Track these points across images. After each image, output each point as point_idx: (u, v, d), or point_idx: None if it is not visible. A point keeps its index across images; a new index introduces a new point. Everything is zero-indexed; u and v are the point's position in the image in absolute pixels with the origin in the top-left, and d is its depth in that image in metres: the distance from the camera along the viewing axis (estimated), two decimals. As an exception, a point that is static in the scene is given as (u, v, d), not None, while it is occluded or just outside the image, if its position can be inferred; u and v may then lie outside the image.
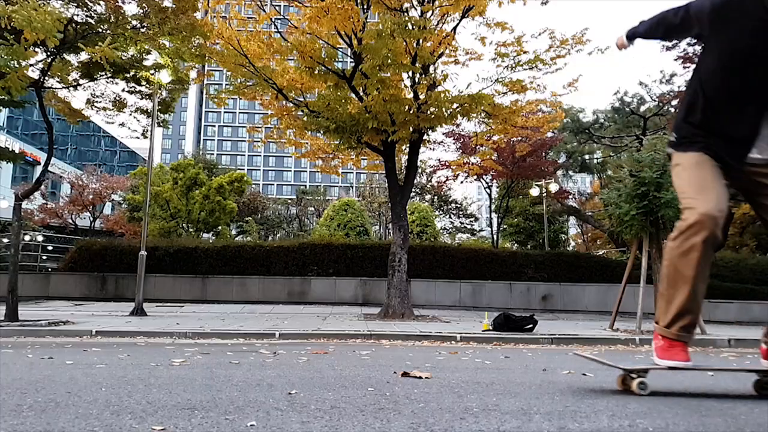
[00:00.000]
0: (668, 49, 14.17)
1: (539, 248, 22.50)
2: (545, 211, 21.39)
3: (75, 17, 8.13)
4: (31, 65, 8.08)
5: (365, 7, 9.29)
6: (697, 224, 1.97)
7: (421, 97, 9.36)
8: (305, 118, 10.20)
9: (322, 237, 18.43)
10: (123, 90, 10.08)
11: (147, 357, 3.65)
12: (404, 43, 8.88)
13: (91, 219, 30.25)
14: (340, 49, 10.24)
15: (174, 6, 8.43)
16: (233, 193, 25.24)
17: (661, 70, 45.32)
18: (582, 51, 9.93)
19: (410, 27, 8.75)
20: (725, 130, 2.11)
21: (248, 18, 10.73)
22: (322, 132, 10.64)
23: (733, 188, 2.19)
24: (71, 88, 9.53)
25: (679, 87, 18.80)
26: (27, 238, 17.20)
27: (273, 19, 10.27)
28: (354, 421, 1.59)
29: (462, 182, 20.29)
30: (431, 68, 9.99)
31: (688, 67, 14.28)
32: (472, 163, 16.41)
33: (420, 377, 2.65)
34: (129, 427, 1.46)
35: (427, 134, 11.03)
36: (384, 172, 10.80)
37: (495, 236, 22.88)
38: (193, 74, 11.09)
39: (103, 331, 6.65)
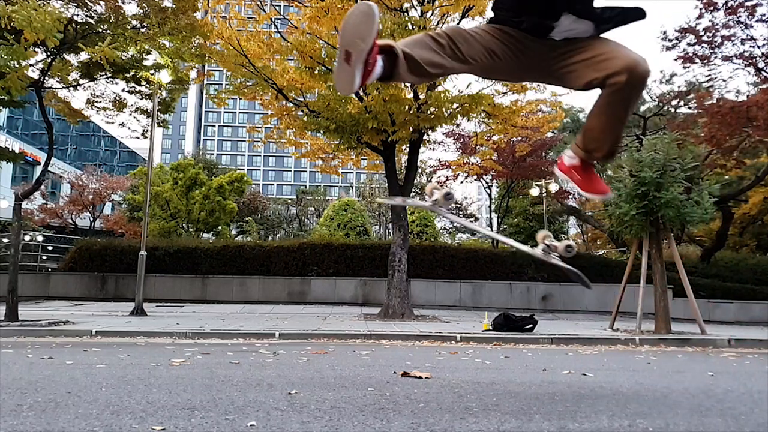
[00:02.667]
0: (668, 49, 14.15)
1: (539, 248, 22.46)
2: (545, 211, 21.39)
3: (75, 17, 8.14)
4: (31, 65, 8.08)
5: (365, 7, 9.28)
6: None
7: (421, 97, 9.36)
8: (305, 118, 10.20)
9: (322, 237, 18.42)
10: (123, 90, 10.09)
11: (147, 357, 3.65)
12: (404, 43, 8.87)
13: (91, 219, 30.24)
14: (340, 49, 10.23)
15: (174, 6, 8.44)
16: (233, 193, 25.25)
17: (661, 70, 45.25)
18: (582, 51, 9.92)
19: (410, 27, 8.75)
20: None
21: (248, 18, 10.73)
22: (322, 132, 10.64)
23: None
24: (71, 88, 9.53)
25: (679, 87, 18.82)
26: (27, 238, 17.20)
27: (273, 19, 10.27)
28: (354, 421, 1.59)
29: (462, 182, 20.28)
30: (431, 68, 9.98)
31: (688, 67, 14.26)
32: (472, 163, 16.42)
33: (420, 377, 2.65)
34: (129, 427, 1.46)
35: (427, 134, 11.03)
36: (384, 172, 10.79)
37: (495, 236, 22.83)
38: (193, 74, 11.09)
39: (103, 331, 6.65)
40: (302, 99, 10.19)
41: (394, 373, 2.83)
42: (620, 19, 2.16)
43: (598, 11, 2.09)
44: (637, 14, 2.17)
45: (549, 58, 2.15)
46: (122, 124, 10.92)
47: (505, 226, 25.70)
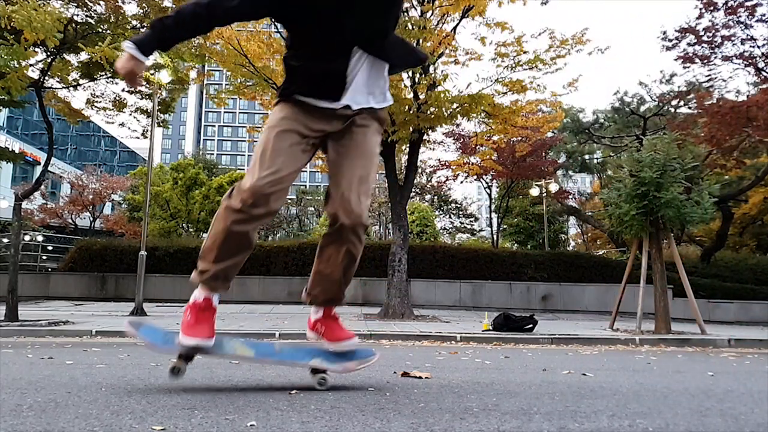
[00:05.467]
0: (668, 49, 14.16)
1: (539, 248, 22.50)
2: (545, 211, 21.38)
3: (75, 17, 8.13)
4: (31, 65, 8.08)
5: (365, 7, 9.28)
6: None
7: (421, 97, 9.36)
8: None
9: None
10: (123, 90, 10.09)
11: (147, 357, 3.65)
12: (404, 43, 8.87)
13: (91, 219, 30.23)
14: (340, 49, 10.23)
15: (174, 6, 8.44)
16: (233, 193, 25.20)
17: (661, 70, 45.32)
18: (582, 51, 9.93)
19: (410, 27, 8.75)
20: None
21: (248, 18, 10.72)
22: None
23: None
24: (71, 88, 9.53)
25: (679, 87, 18.81)
26: (27, 238, 17.20)
27: (273, 19, 10.26)
28: (354, 421, 1.59)
29: (462, 182, 20.29)
30: (431, 68, 9.98)
31: (688, 67, 14.27)
32: (472, 163, 16.41)
33: (420, 377, 2.65)
34: (129, 427, 1.46)
35: (427, 134, 11.03)
36: (384, 172, 10.79)
37: (495, 236, 22.88)
38: (193, 74, 11.09)
39: (103, 331, 6.64)
40: (302, 99, 10.18)
41: (394, 373, 2.83)
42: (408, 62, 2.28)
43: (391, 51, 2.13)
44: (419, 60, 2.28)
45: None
46: (122, 124, 10.94)
47: (505, 226, 25.69)
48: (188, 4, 1.99)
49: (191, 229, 23.72)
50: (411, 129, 9.58)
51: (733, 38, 13.01)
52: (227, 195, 2.05)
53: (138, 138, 11.59)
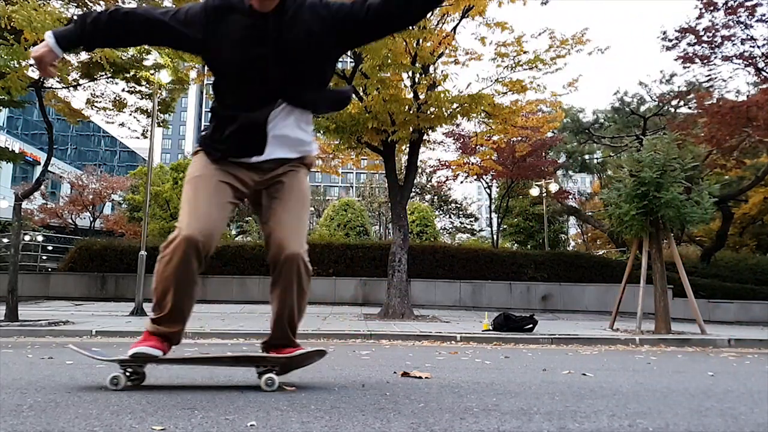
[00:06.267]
0: (668, 49, 14.16)
1: (539, 248, 22.50)
2: (545, 211, 21.38)
3: (75, 17, 8.13)
4: (31, 65, 8.07)
5: (365, 7, 9.28)
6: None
7: (421, 97, 9.36)
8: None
9: (322, 237, 18.43)
10: (123, 90, 10.09)
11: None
12: (404, 43, 8.87)
13: (91, 219, 30.22)
14: (340, 49, 10.23)
15: (174, 6, 8.43)
16: (233, 193, 25.19)
17: (661, 70, 45.29)
18: (582, 51, 9.94)
19: (410, 27, 8.74)
20: None
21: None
22: (322, 132, 10.63)
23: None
24: (71, 88, 9.53)
25: (679, 87, 18.80)
26: (27, 238, 17.20)
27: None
28: (354, 421, 1.59)
29: (462, 182, 20.28)
30: (431, 68, 9.99)
31: (688, 67, 14.26)
32: (472, 163, 16.41)
33: (420, 377, 2.65)
34: (129, 427, 1.46)
35: (427, 134, 11.03)
36: (384, 172, 10.79)
37: (495, 236, 22.88)
38: (193, 74, 11.09)
39: (103, 331, 6.65)
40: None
41: (394, 373, 2.83)
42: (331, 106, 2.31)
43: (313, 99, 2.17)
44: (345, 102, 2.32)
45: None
46: (122, 124, 10.93)
47: (505, 226, 25.69)
48: (108, 9, 2.03)
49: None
50: (411, 129, 9.58)
51: (733, 38, 13.01)
52: (162, 247, 2.06)
53: (138, 138, 11.58)
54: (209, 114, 2.28)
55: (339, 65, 9.81)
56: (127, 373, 2.10)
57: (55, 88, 9.60)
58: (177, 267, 1.98)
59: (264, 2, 1.95)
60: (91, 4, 8.23)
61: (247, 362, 2.27)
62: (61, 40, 1.97)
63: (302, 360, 2.25)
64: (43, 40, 2.01)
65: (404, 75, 10.04)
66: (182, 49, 2.18)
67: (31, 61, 7.82)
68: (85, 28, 1.99)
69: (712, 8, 12.81)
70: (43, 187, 23.80)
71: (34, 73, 8.26)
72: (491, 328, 7.34)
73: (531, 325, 7.36)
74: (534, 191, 21.36)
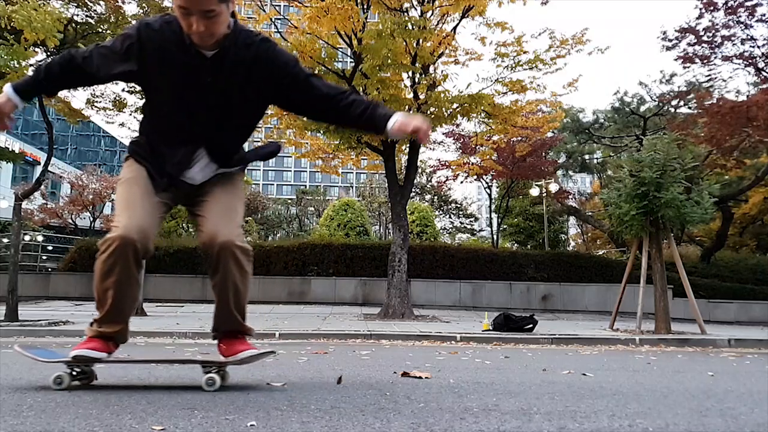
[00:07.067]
0: (668, 49, 14.17)
1: (539, 248, 22.48)
2: (545, 211, 21.38)
3: (75, 17, 8.14)
4: (31, 65, 8.08)
5: (365, 7, 9.29)
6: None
7: (421, 97, 9.36)
8: (305, 118, 10.19)
9: (322, 237, 18.41)
10: (123, 90, 10.09)
11: (147, 357, 3.64)
12: (404, 43, 8.87)
13: (91, 219, 30.21)
14: (340, 49, 10.24)
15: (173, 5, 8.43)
16: (233, 193, 25.18)
17: (661, 70, 45.32)
18: (582, 51, 9.95)
19: (410, 27, 8.74)
20: None
21: (248, 18, 10.73)
22: (322, 132, 10.63)
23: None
24: (71, 88, 9.52)
25: (679, 87, 18.80)
26: (27, 238, 17.20)
27: (273, 19, 10.26)
28: (354, 421, 1.59)
29: (462, 182, 20.26)
30: (431, 68, 9.99)
31: (688, 67, 14.27)
32: (472, 163, 16.41)
33: (420, 377, 2.65)
34: (129, 427, 1.46)
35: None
36: (384, 172, 10.79)
37: (495, 236, 22.87)
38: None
39: (103, 331, 6.64)
40: (302, 99, 10.17)
41: (394, 373, 2.83)
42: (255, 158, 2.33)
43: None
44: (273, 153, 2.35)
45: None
46: (122, 124, 10.94)
47: (505, 226, 25.68)
48: (61, 55, 2.08)
49: (191, 229, 23.73)
50: (411, 129, 9.57)
51: (733, 38, 13.01)
52: (100, 245, 2.07)
53: (138, 138, 11.57)
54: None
55: (339, 65, 9.81)
56: (74, 373, 2.10)
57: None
58: (114, 266, 1.99)
59: (204, 39, 1.89)
60: (91, 4, 8.24)
61: (194, 363, 2.28)
62: (20, 90, 2.02)
63: (248, 361, 2.25)
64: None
65: (404, 75, 10.04)
66: (133, 82, 2.20)
67: (32, 61, 7.84)
68: (40, 76, 2.04)
69: (712, 8, 12.81)
70: (43, 187, 23.78)
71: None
72: (491, 328, 7.34)
73: (531, 325, 7.36)
74: (534, 191, 21.35)
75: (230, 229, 2.10)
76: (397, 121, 2.03)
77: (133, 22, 8.40)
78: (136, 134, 2.27)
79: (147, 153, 2.16)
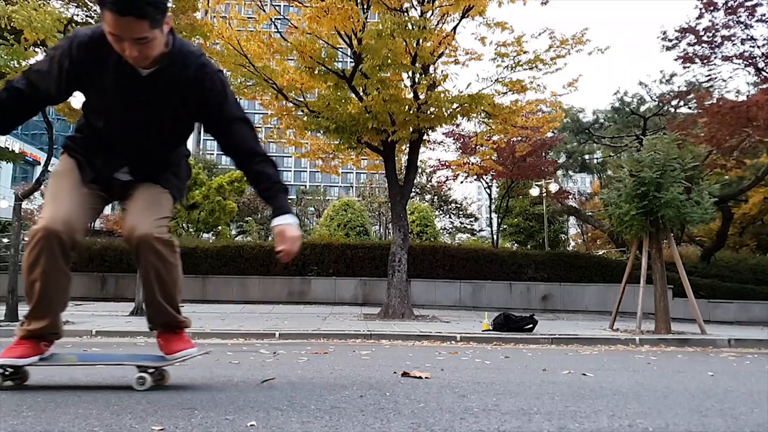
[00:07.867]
0: (668, 49, 14.17)
1: (539, 248, 22.49)
2: (545, 211, 21.38)
3: (75, 17, 8.14)
4: (31, 65, 8.09)
5: (365, 7, 9.28)
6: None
7: (421, 97, 9.35)
8: (305, 118, 10.20)
9: (322, 237, 18.43)
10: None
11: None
12: (404, 43, 8.87)
13: (91, 219, 30.21)
14: (340, 49, 10.24)
15: (174, 6, 8.44)
16: (233, 193, 25.24)
17: (661, 70, 45.31)
18: (582, 51, 9.94)
19: (410, 27, 8.74)
20: None
21: (248, 18, 10.73)
22: (322, 132, 10.63)
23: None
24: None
25: (679, 87, 18.80)
26: (27, 238, 17.16)
27: (273, 19, 10.26)
28: (354, 421, 1.59)
29: (462, 182, 20.27)
30: (431, 68, 9.98)
31: (688, 67, 14.27)
32: (472, 163, 16.41)
33: (420, 377, 2.65)
34: (129, 427, 1.46)
35: (427, 134, 11.03)
36: (384, 172, 10.79)
37: (495, 236, 22.88)
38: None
39: (103, 331, 6.65)
40: (302, 99, 10.19)
41: (394, 373, 2.83)
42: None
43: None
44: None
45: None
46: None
47: (505, 226, 25.69)
48: (8, 83, 2.11)
49: (191, 229, 23.74)
50: (411, 129, 9.58)
51: (733, 38, 13.01)
52: (27, 237, 2.09)
53: (138, 138, 11.57)
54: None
55: (339, 65, 9.81)
56: (6, 373, 2.10)
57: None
58: (38, 257, 1.98)
59: (138, 62, 1.86)
60: (91, 4, 8.24)
61: (128, 364, 2.29)
62: None
63: (183, 361, 2.26)
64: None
65: (404, 75, 10.04)
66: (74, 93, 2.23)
67: (32, 61, 7.84)
68: None
69: (712, 8, 12.81)
70: (43, 187, 23.79)
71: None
72: (491, 328, 7.34)
73: (531, 325, 7.36)
74: (534, 191, 21.35)
75: (149, 222, 2.11)
76: (279, 225, 2.12)
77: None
78: (74, 134, 2.29)
79: (81, 148, 2.19)
